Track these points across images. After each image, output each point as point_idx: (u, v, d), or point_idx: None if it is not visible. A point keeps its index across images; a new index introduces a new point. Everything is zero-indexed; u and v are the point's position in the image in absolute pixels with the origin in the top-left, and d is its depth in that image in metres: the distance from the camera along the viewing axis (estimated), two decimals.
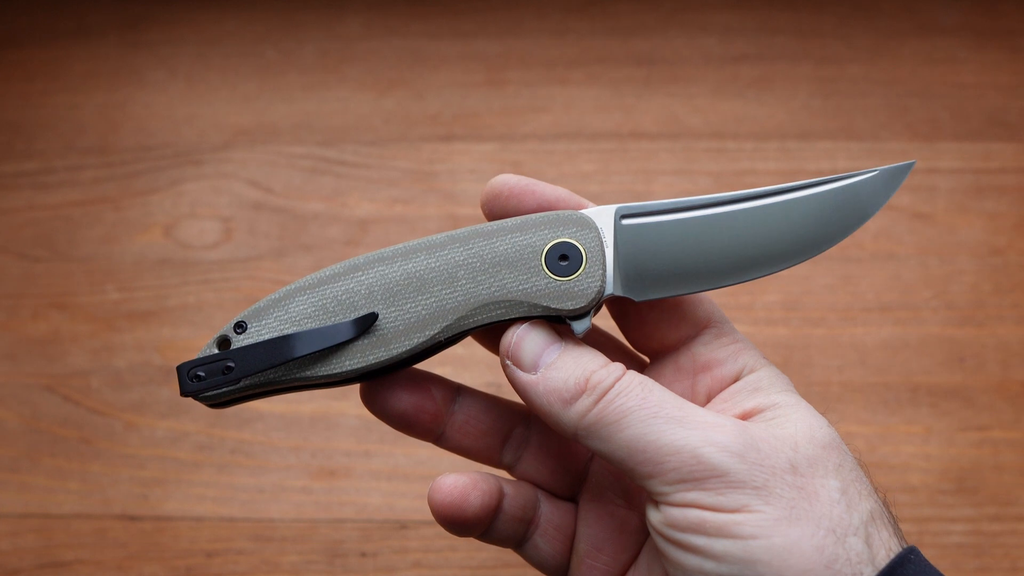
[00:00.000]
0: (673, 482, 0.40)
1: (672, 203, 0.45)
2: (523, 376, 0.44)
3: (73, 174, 0.80)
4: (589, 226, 0.45)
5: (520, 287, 0.44)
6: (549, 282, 0.44)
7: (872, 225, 0.76)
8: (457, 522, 0.47)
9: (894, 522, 0.42)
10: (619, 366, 0.43)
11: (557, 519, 0.49)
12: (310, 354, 0.44)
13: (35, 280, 0.77)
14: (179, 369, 0.45)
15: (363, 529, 0.69)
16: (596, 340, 0.50)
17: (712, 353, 0.47)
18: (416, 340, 0.44)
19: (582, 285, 0.44)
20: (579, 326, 0.44)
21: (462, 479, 0.47)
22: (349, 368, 0.45)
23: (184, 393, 0.45)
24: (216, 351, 0.45)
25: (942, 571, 0.41)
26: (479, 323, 0.44)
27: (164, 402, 0.73)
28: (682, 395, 0.44)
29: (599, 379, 0.42)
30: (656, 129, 0.80)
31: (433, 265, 0.45)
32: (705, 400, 0.47)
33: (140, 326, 0.75)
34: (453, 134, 0.81)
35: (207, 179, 0.80)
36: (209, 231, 0.78)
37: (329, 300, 0.45)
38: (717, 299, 0.48)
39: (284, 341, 0.44)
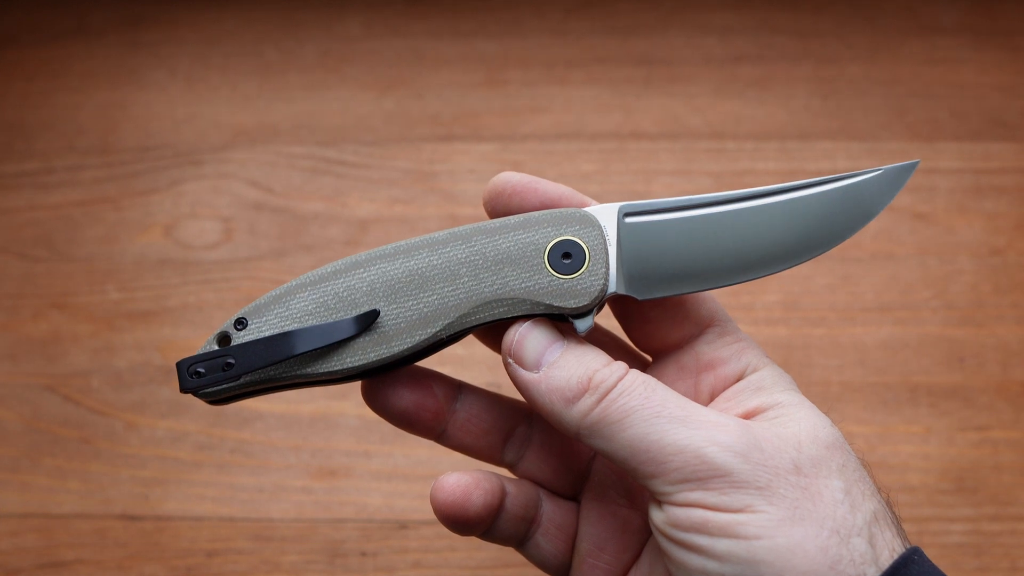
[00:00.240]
0: (676, 482, 0.40)
1: (676, 201, 0.45)
2: (525, 374, 0.44)
3: (73, 174, 0.80)
4: (592, 224, 0.45)
5: (523, 285, 0.44)
6: (552, 280, 0.44)
7: (872, 225, 0.76)
8: (460, 521, 0.46)
9: (897, 522, 0.42)
10: (622, 365, 0.43)
11: (559, 518, 0.49)
12: (311, 351, 0.44)
13: (35, 280, 0.77)
14: (179, 365, 0.45)
15: (363, 529, 0.69)
16: (598, 339, 0.50)
17: (715, 352, 0.47)
18: (418, 337, 0.44)
19: (585, 283, 0.44)
20: (582, 324, 0.44)
21: (465, 478, 0.46)
22: (350, 365, 0.44)
23: (183, 389, 0.44)
24: (216, 347, 0.45)
25: (944, 572, 0.41)
26: (481, 321, 0.44)
27: (164, 402, 0.73)
28: (685, 394, 0.44)
29: (602, 378, 0.42)
30: (656, 129, 0.80)
31: (435, 262, 0.45)
32: (708, 399, 0.47)
33: (140, 326, 0.75)
34: (453, 134, 0.81)
35: (207, 179, 0.80)
36: (209, 231, 0.78)
37: (330, 297, 0.45)
38: (717, 299, 0.48)
39: (285, 338, 0.44)
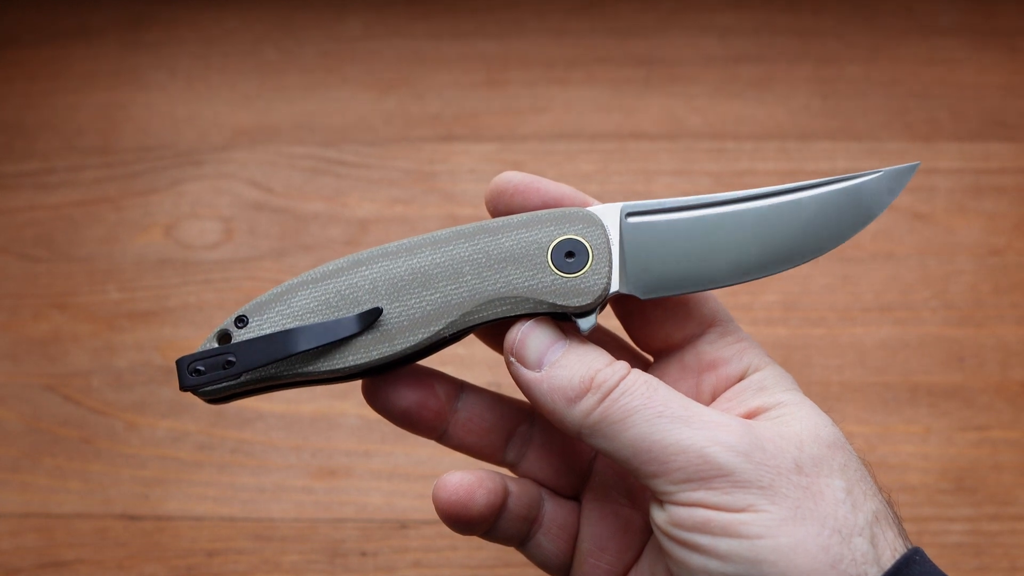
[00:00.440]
0: (678, 481, 0.40)
1: (678, 202, 0.45)
2: (527, 374, 0.44)
3: (74, 174, 0.80)
4: (596, 223, 0.45)
5: (526, 283, 0.44)
6: (555, 279, 0.44)
7: (871, 225, 0.75)
8: (462, 520, 0.46)
9: (899, 522, 0.42)
10: (624, 364, 0.43)
11: (560, 518, 0.49)
12: (313, 349, 0.44)
13: (36, 280, 0.77)
14: (179, 363, 0.44)
15: (363, 529, 0.69)
16: (600, 339, 0.50)
17: (717, 352, 0.47)
18: (420, 336, 0.44)
19: (588, 282, 0.44)
20: (585, 323, 0.44)
21: (468, 477, 0.46)
22: (352, 364, 0.44)
23: (183, 387, 0.44)
24: (216, 345, 0.44)
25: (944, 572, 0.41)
26: (484, 319, 0.44)
27: (165, 402, 0.73)
28: (687, 394, 0.44)
29: (604, 377, 0.42)
30: (656, 129, 0.80)
31: (438, 261, 0.45)
32: (710, 399, 0.47)
33: (141, 326, 0.75)
34: (453, 134, 0.81)
35: (207, 179, 0.80)
36: (210, 231, 0.78)
37: (332, 295, 0.45)
38: (718, 299, 0.48)
39: (287, 335, 0.44)
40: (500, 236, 0.45)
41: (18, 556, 0.69)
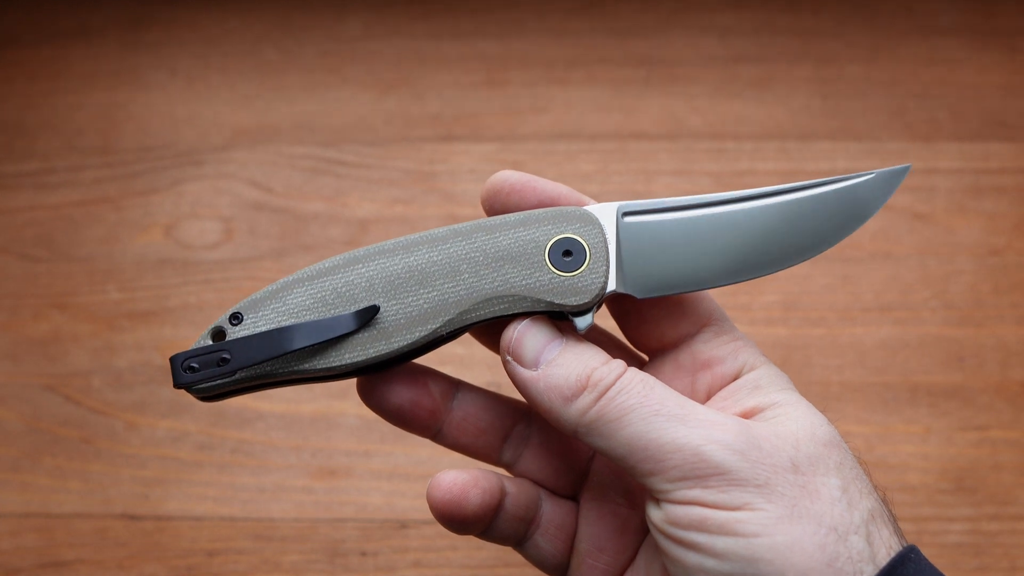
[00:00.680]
0: (675, 480, 0.40)
1: (674, 201, 0.45)
2: (524, 372, 0.44)
3: (74, 174, 0.80)
4: (593, 222, 0.45)
5: (523, 282, 0.44)
6: (552, 277, 0.44)
7: (871, 225, 0.76)
8: (456, 519, 0.46)
9: (894, 521, 0.42)
10: (620, 363, 0.43)
11: (558, 518, 0.49)
12: (308, 347, 0.44)
13: (36, 280, 0.77)
14: (172, 360, 0.44)
15: (363, 528, 0.69)
16: (596, 338, 0.50)
17: (712, 351, 0.47)
18: (417, 334, 0.44)
19: (586, 281, 0.44)
20: (582, 322, 0.44)
21: (462, 476, 0.46)
22: (348, 361, 0.44)
23: (177, 385, 0.44)
24: (211, 342, 0.44)
25: (941, 570, 0.41)
26: (481, 318, 0.44)
27: (165, 402, 0.73)
28: (682, 393, 0.44)
29: (600, 376, 0.42)
30: (656, 129, 0.80)
31: (435, 258, 0.44)
32: (705, 398, 0.47)
33: (141, 326, 0.75)
34: (453, 134, 0.81)
35: (207, 179, 0.80)
36: (210, 231, 0.78)
37: (328, 292, 0.44)
38: (714, 298, 0.48)
39: (282, 333, 0.43)
40: (497, 234, 0.45)
41: (18, 556, 0.69)
